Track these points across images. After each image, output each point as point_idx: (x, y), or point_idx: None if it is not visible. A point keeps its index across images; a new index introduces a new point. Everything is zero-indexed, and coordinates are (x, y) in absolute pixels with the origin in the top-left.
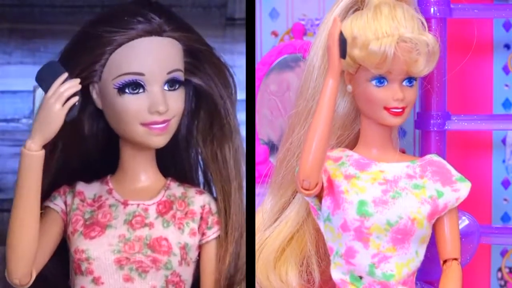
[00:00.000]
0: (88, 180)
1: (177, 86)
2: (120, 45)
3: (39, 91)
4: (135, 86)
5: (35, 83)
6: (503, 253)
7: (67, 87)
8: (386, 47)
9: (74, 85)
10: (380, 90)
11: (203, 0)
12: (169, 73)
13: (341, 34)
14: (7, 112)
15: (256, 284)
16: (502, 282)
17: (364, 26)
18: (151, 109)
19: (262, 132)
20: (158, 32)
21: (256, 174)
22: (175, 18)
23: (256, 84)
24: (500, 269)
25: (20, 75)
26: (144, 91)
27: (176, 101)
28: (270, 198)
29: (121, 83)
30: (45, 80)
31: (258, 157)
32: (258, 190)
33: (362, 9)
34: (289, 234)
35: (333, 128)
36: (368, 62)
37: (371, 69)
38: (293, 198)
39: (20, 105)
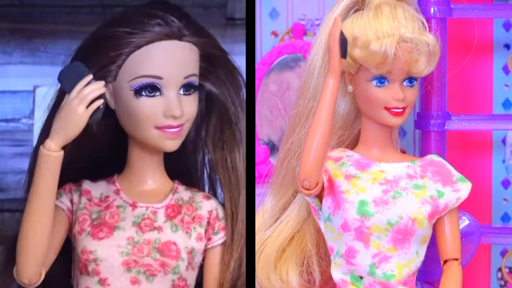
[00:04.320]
0: (93, 178)
1: (192, 91)
2: (138, 47)
3: (39, 91)
4: (152, 89)
5: (35, 83)
6: (503, 253)
7: (91, 89)
8: (387, 47)
9: (99, 87)
10: (380, 90)
11: (203, 0)
12: (186, 77)
13: (341, 34)
14: (7, 112)
15: (257, 284)
16: (502, 282)
17: (364, 26)
18: (166, 113)
19: (262, 132)
20: (178, 36)
21: (256, 174)
22: (194, 23)
23: (256, 84)
24: (500, 269)
25: (20, 75)
26: (160, 95)
27: (190, 105)
28: (271, 198)
29: (138, 85)
30: (68, 80)
31: (258, 157)
32: (258, 190)
33: (363, 9)
34: (290, 234)
35: (334, 128)
36: (369, 62)
37: (371, 69)
38: (294, 198)
39: (20, 105)
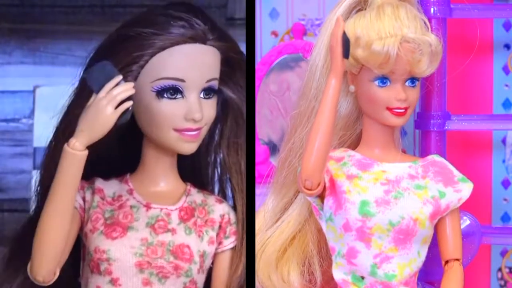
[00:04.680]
0: (105, 176)
1: (212, 95)
2: (162, 48)
3: (39, 91)
4: (174, 91)
5: (35, 83)
6: (503, 253)
7: (120, 91)
8: (389, 47)
9: (128, 88)
10: (382, 90)
11: (203, 0)
12: (207, 81)
13: (344, 34)
14: (7, 112)
15: (258, 284)
16: (502, 282)
17: (367, 26)
18: (187, 116)
19: (262, 132)
20: (202, 40)
21: (257, 175)
22: (217, 27)
23: (256, 84)
24: (500, 269)
25: (20, 75)
26: (182, 97)
27: (209, 109)
28: (272, 198)
29: (160, 87)
30: (96, 80)
31: (259, 158)
32: (258, 190)
33: (365, 9)
34: (291, 234)
35: (336, 128)
36: (371, 62)
37: (374, 69)
38: (295, 198)
39: (20, 105)
